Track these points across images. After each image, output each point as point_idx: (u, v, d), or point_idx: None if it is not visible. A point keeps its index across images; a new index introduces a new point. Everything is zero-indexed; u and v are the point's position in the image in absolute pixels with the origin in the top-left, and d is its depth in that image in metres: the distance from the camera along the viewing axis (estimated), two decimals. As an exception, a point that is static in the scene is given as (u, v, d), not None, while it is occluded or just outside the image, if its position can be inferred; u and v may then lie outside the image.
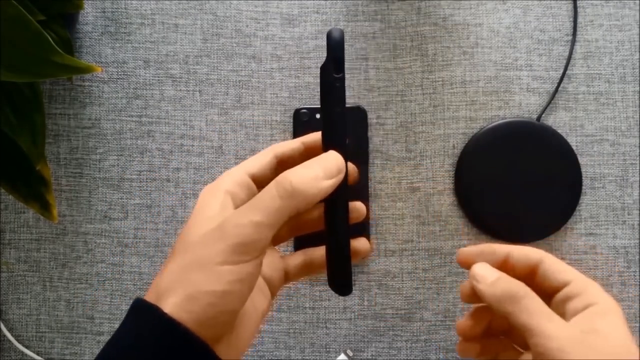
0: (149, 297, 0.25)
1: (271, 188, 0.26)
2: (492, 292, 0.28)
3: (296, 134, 0.46)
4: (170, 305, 0.24)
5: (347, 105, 0.29)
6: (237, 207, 0.27)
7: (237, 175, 0.28)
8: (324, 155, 0.28)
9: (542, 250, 0.31)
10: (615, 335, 0.26)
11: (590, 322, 0.26)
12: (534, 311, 0.26)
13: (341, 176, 0.28)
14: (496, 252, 0.31)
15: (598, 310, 0.27)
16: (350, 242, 0.29)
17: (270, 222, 0.25)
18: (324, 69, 0.28)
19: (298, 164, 0.30)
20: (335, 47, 0.28)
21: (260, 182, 0.29)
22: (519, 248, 0.31)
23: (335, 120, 0.28)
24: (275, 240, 0.32)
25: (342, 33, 0.28)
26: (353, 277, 0.31)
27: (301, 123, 0.46)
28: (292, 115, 0.47)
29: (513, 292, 0.27)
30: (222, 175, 0.29)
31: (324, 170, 0.26)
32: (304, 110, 0.46)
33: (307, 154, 0.30)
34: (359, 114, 0.46)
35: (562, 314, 0.28)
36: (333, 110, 0.28)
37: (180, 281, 0.24)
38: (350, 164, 0.30)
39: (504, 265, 0.31)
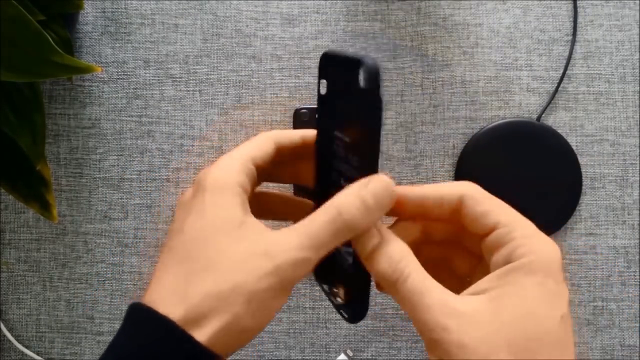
0: (168, 306, 0.23)
1: (324, 224, 0.23)
2: (368, 267, 0.24)
3: (296, 134, 0.46)
4: (209, 334, 0.22)
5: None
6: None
7: (246, 166, 0.26)
8: (374, 183, 0.24)
9: (464, 183, 0.26)
10: (528, 305, 0.21)
11: (504, 283, 0.22)
12: (416, 297, 0.22)
13: (392, 205, 0.24)
14: (410, 197, 0.27)
15: (521, 266, 0.22)
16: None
17: (321, 256, 0.23)
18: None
19: (296, 157, 0.28)
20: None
21: (260, 169, 0.27)
22: (434, 189, 0.26)
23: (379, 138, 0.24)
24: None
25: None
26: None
27: (301, 123, 0.46)
28: (292, 115, 0.47)
29: (383, 275, 0.23)
30: (228, 163, 0.26)
31: (375, 202, 0.24)
32: (304, 110, 0.46)
33: (305, 151, 0.29)
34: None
35: (489, 264, 0.24)
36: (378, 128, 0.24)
37: (222, 309, 0.22)
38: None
39: (424, 208, 0.27)
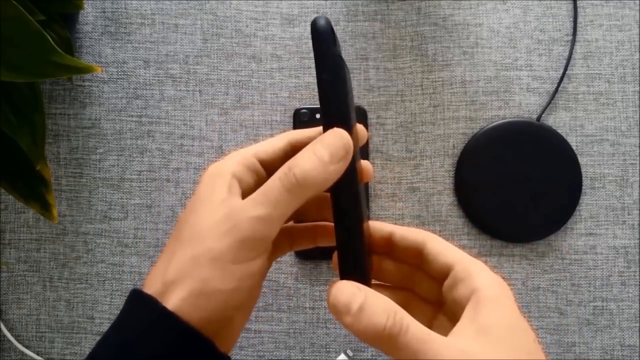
0: (152, 283, 0.25)
1: (277, 180, 0.24)
2: (357, 329, 0.22)
3: (296, 134, 0.46)
4: (177, 299, 0.23)
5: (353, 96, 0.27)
6: (244, 191, 0.26)
7: (245, 158, 0.27)
8: (327, 135, 0.25)
9: (426, 231, 0.28)
10: (512, 330, 0.24)
11: (481, 317, 0.24)
12: (423, 345, 0.22)
13: (349, 156, 0.25)
14: (379, 230, 0.29)
15: (480, 299, 0.24)
16: (364, 230, 0.26)
17: (279, 216, 0.24)
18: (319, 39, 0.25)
19: None
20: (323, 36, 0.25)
21: (270, 167, 0.28)
22: (401, 229, 0.29)
23: (335, 89, 0.25)
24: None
25: (326, 21, 0.25)
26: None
27: (301, 123, 0.46)
28: (292, 115, 0.47)
29: (380, 329, 0.22)
30: (230, 155, 0.27)
31: (329, 154, 0.24)
32: (304, 110, 0.46)
33: None
34: (359, 114, 0.46)
35: (452, 303, 0.26)
36: (330, 78, 0.25)
37: (189, 275, 0.24)
38: (359, 126, 0.28)
39: (391, 246, 0.29)
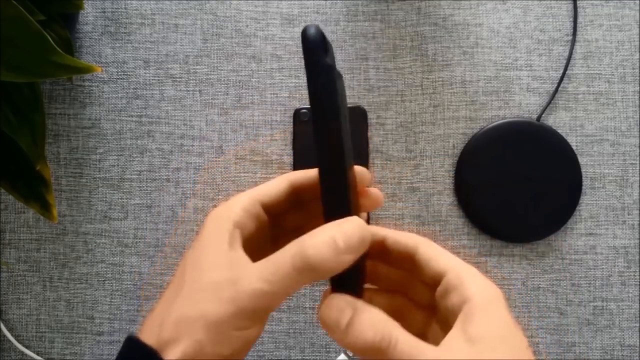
0: (149, 334, 0.24)
1: (288, 257, 0.24)
2: (347, 343, 0.23)
3: (296, 134, 0.47)
4: (175, 358, 0.23)
5: (347, 106, 0.26)
6: (245, 239, 0.26)
7: (248, 204, 0.27)
8: (346, 222, 0.24)
9: (419, 236, 0.28)
10: (503, 339, 0.24)
11: (471, 325, 0.24)
12: (412, 358, 0.22)
13: (365, 245, 0.24)
14: (373, 235, 0.29)
15: (472, 307, 0.24)
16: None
17: (283, 291, 0.24)
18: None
19: (316, 193, 0.28)
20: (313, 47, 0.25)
21: (272, 210, 0.28)
22: (394, 233, 0.28)
23: (325, 99, 0.24)
24: None
25: (317, 29, 0.25)
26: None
27: (301, 123, 0.46)
28: (292, 115, 0.47)
29: (369, 345, 0.23)
30: (232, 201, 0.27)
31: (345, 244, 0.24)
32: (304, 110, 0.46)
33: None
34: (359, 114, 0.46)
35: (444, 311, 0.26)
36: (320, 88, 0.24)
37: (185, 335, 0.23)
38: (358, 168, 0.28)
39: (385, 251, 0.29)
